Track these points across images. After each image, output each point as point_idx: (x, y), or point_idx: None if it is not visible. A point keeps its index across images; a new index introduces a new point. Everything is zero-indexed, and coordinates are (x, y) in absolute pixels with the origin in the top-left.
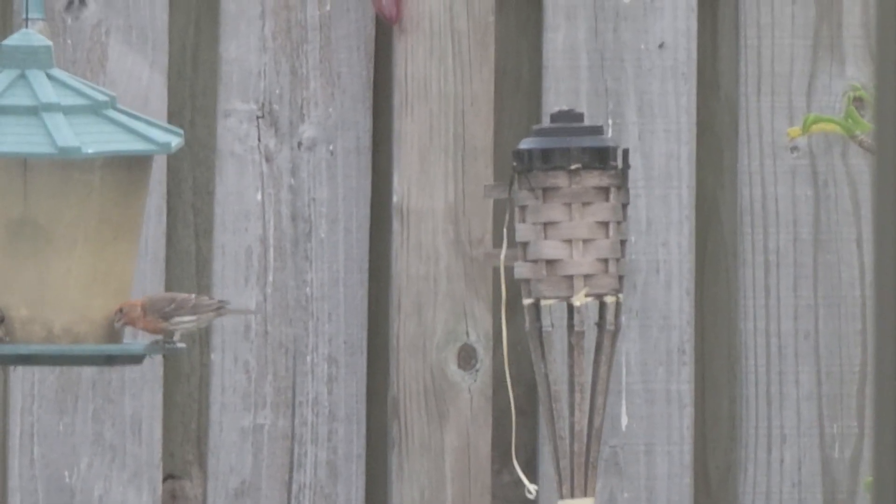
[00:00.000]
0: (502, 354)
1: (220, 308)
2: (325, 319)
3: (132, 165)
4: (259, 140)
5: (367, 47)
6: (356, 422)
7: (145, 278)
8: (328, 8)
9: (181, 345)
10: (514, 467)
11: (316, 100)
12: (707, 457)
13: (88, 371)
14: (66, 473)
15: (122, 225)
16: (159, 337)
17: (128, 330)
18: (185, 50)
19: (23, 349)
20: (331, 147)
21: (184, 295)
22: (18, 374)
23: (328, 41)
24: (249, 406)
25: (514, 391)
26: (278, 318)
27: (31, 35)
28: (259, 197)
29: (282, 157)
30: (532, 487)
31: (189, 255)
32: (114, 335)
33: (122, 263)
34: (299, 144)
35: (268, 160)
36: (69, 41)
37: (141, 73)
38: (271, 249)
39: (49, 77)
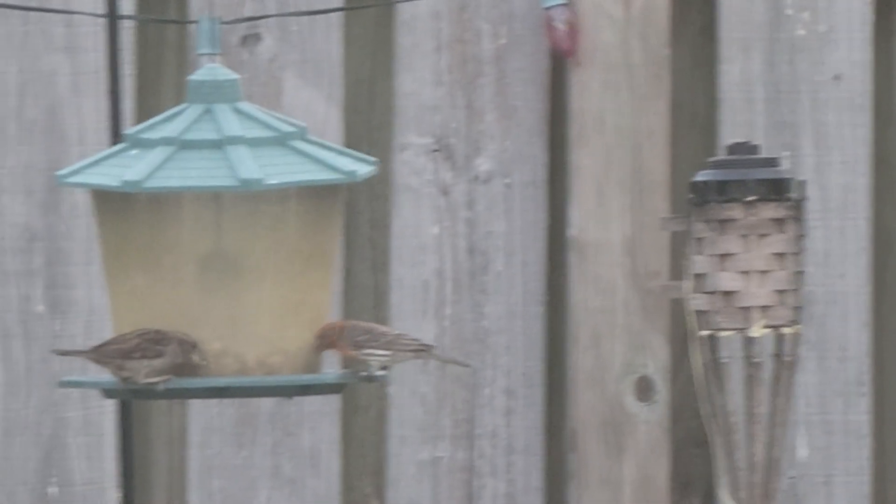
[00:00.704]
0: (680, 385)
1: (421, 351)
2: (502, 352)
3: (321, 196)
4: (435, 173)
5: (542, 80)
6: (534, 454)
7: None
8: (503, 41)
9: (379, 374)
10: (695, 499)
11: (492, 133)
12: (887, 488)
13: (267, 404)
14: None
15: (314, 255)
16: (356, 368)
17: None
18: (361, 83)
19: (218, 382)
20: (507, 180)
21: (383, 328)
22: (197, 407)
23: (503, 74)
24: (427, 439)
25: (692, 423)
26: (456, 351)
27: (216, 69)
28: (436, 230)
29: (458, 190)
30: None
31: (367, 289)
32: (309, 366)
33: (315, 293)
34: (475, 178)
35: (444, 193)
36: (245, 76)
37: (317, 107)
38: (448, 282)
39: (235, 110)
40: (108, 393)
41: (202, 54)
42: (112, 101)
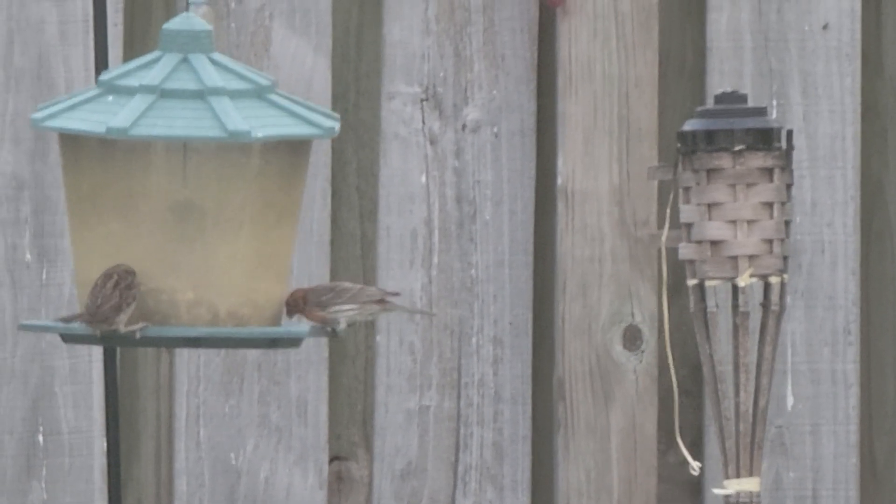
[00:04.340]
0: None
1: (384, 301)
2: (490, 301)
3: (295, 149)
4: (423, 123)
5: (530, 29)
6: (522, 403)
7: (311, 261)
8: None
9: (342, 329)
10: (679, 448)
11: (480, 82)
12: (873, 437)
13: (254, 353)
14: (232, 455)
15: (286, 208)
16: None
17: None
18: (349, 33)
19: (190, 332)
20: (495, 129)
21: (347, 284)
22: (184, 356)
23: (492, 23)
24: (415, 388)
25: (679, 372)
26: (443, 301)
27: (192, 19)
28: (423, 179)
29: (446, 139)
30: (696, 465)
31: (354, 238)
32: (276, 318)
33: (284, 247)
34: (463, 127)
35: (432, 143)
36: (233, 25)
37: (305, 56)
38: (436, 232)
39: (211, 61)
40: (67, 338)
41: (192, 3)
42: (99, 50)
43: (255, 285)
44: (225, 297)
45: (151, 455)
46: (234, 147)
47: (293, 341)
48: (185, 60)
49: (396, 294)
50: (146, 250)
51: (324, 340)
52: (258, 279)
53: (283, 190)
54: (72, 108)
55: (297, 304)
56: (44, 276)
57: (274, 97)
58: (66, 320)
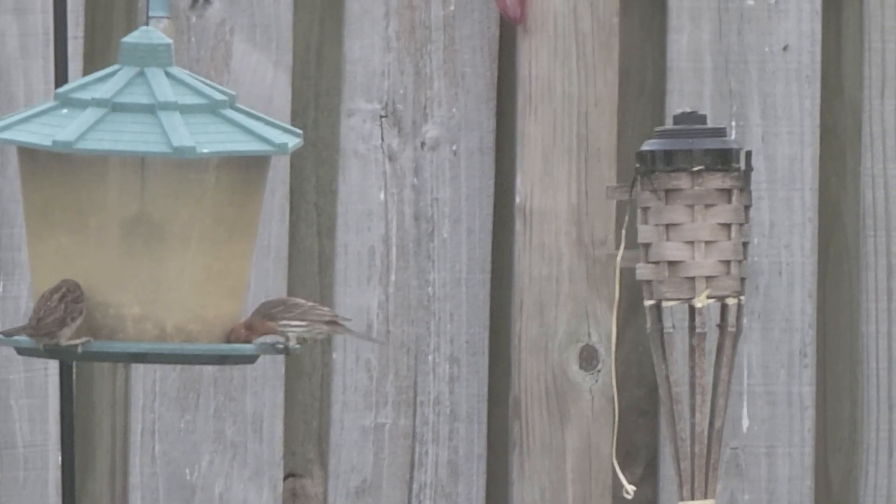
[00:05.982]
0: (624, 355)
1: (333, 322)
2: (447, 319)
3: (249, 166)
4: (382, 139)
5: (490, 48)
6: (477, 421)
7: (268, 277)
8: (452, 8)
9: (294, 347)
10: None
11: (439, 100)
12: (828, 460)
13: (210, 369)
14: (188, 471)
15: (238, 225)
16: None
17: None
18: (309, 49)
19: (135, 347)
20: (454, 147)
21: (298, 300)
22: (140, 371)
23: (452, 41)
24: (371, 405)
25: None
26: (400, 318)
27: (151, 32)
28: (382, 196)
29: (405, 156)
30: (630, 488)
31: (312, 254)
32: (226, 335)
33: (237, 263)
34: (422, 144)
35: (391, 160)
36: (193, 39)
37: (265, 72)
38: (394, 249)
39: (168, 75)
40: (22, 351)
41: (153, 17)
42: (58, 64)
43: (204, 301)
44: (172, 313)
45: (106, 469)
46: (183, 163)
47: (245, 358)
48: (140, 74)
49: (348, 319)
50: (94, 264)
51: (280, 357)
52: (207, 295)
53: (235, 206)
54: (26, 120)
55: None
56: (0, 289)
57: (229, 112)
58: (8, 333)
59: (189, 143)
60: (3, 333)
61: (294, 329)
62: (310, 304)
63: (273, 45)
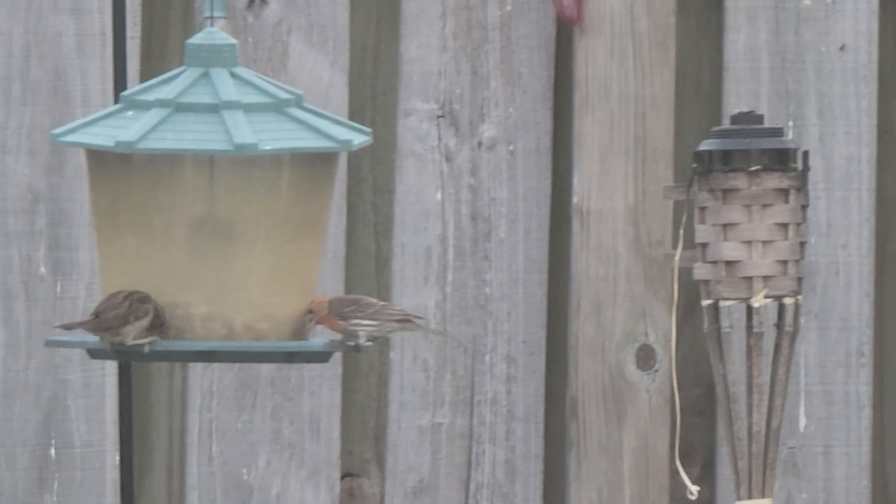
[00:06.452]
0: (681, 354)
1: (406, 321)
2: (504, 319)
3: (315, 163)
4: (439, 139)
5: (547, 48)
6: (534, 421)
7: (325, 277)
8: (509, 8)
9: (365, 345)
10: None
11: (496, 100)
12: (885, 459)
13: (267, 369)
14: (244, 471)
15: (305, 223)
16: (344, 338)
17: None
18: (366, 49)
19: (200, 345)
20: (511, 147)
21: (371, 299)
22: (197, 371)
23: (508, 41)
24: (428, 405)
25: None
26: (457, 318)
27: (215, 33)
28: (439, 196)
29: (462, 156)
30: (694, 489)
31: (369, 254)
32: (297, 333)
33: (305, 261)
34: (479, 144)
35: (448, 160)
36: (250, 40)
37: (322, 72)
38: (451, 249)
39: (232, 75)
40: (94, 353)
41: (208, 17)
42: (116, 64)
43: (272, 300)
44: (240, 312)
45: (163, 469)
46: (249, 161)
47: (315, 355)
48: (205, 75)
49: (420, 318)
50: (161, 264)
51: (337, 356)
52: (276, 294)
53: (302, 204)
54: (92, 123)
55: (319, 311)
56: (58, 290)
57: (294, 111)
58: (69, 327)
59: (251, 141)
60: (63, 327)
61: (365, 328)
62: (382, 303)
63: (330, 46)
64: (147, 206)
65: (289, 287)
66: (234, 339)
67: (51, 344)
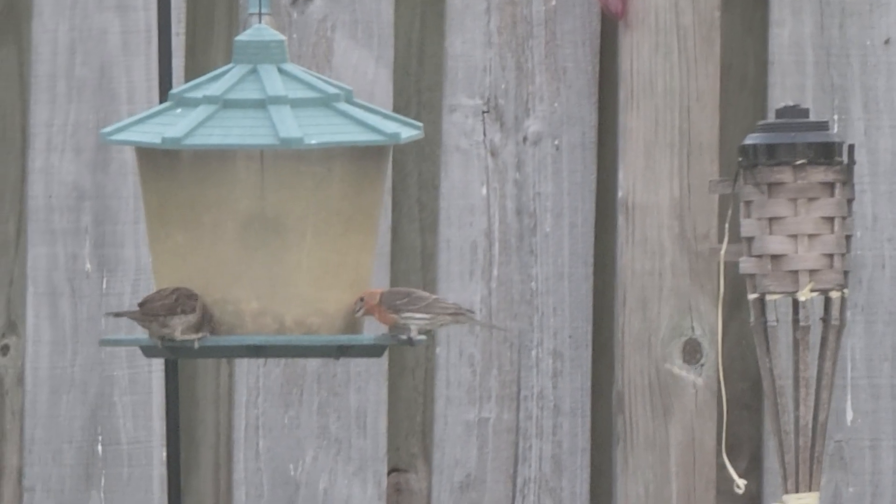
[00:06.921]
0: (728, 348)
1: (459, 314)
2: (550, 314)
3: (365, 157)
4: (484, 135)
5: (592, 42)
6: (581, 416)
7: (371, 272)
8: (553, 3)
9: (418, 338)
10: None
11: (541, 94)
12: None
13: (313, 364)
14: (291, 466)
15: (356, 217)
16: (396, 331)
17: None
18: (411, 45)
19: (254, 340)
20: (556, 142)
21: (422, 293)
22: (243, 367)
23: (553, 36)
24: (474, 400)
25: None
26: (503, 313)
27: (263, 30)
28: (484, 191)
29: (507, 151)
30: (741, 482)
31: (414, 250)
32: (349, 328)
33: (356, 255)
34: (524, 139)
35: (493, 155)
36: (295, 36)
37: (366, 68)
38: (496, 244)
39: (280, 71)
40: (147, 351)
41: (252, 14)
42: (161, 60)
43: (323, 294)
44: (291, 307)
45: (210, 465)
46: (298, 156)
47: (367, 349)
48: (253, 71)
49: (472, 311)
50: (212, 260)
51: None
52: (326, 288)
53: (351, 198)
54: (141, 121)
55: (370, 302)
56: (104, 286)
57: (342, 106)
58: (117, 315)
59: (297, 135)
60: (111, 314)
61: (418, 322)
62: (433, 297)
63: (374, 41)
64: (197, 202)
65: (340, 281)
66: (284, 333)
67: (105, 343)
